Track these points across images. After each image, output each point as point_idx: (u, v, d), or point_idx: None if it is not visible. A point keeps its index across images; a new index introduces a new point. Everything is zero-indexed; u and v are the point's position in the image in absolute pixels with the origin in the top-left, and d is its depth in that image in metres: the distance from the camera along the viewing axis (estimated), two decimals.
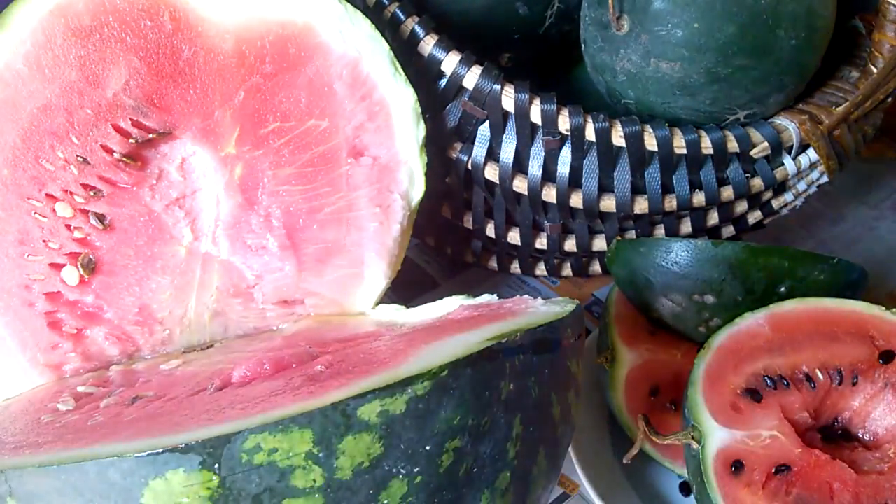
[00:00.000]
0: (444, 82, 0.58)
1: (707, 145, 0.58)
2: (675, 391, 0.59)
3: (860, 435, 0.51)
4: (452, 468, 0.37)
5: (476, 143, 0.60)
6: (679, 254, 0.56)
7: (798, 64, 0.57)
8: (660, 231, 0.65)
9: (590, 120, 0.57)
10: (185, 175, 0.53)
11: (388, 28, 0.59)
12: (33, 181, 0.48)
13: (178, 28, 0.50)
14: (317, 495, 0.35)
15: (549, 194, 0.60)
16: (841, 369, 0.51)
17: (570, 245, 0.66)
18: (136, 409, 0.41)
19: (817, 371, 0.51)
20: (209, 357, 0.51)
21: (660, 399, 0.58)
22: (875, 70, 0.59)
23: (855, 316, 0.52)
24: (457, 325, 0.45)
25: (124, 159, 0.50)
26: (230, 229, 0.54)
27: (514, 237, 0.67)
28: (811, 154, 0.60)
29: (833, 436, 0.52)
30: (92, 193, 0.50)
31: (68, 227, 0.50)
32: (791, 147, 0.60)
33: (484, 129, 0.60)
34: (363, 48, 0.52)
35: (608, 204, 0.60)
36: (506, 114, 0.58)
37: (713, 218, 0.64)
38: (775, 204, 0.65)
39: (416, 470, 0.37)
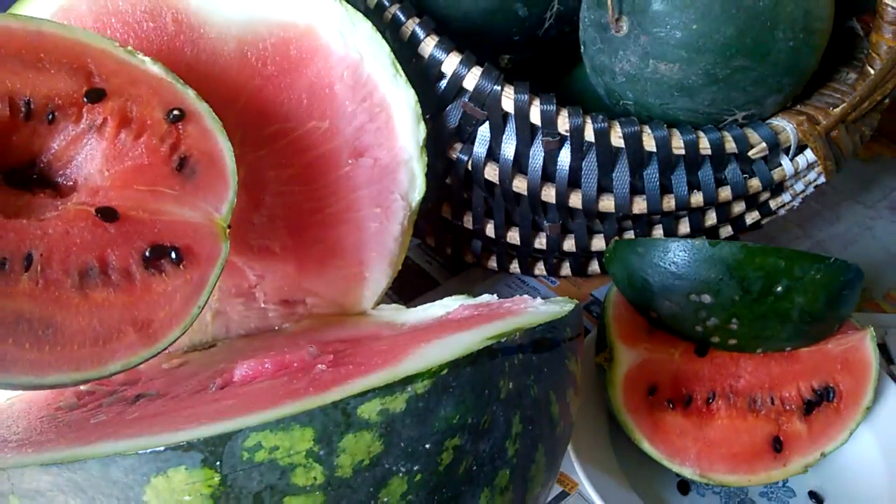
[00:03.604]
0: (444, 83, 0.59)
1: (705, 146, 0.58)
2: (673, 390, 0.59)
3: (60, 181, 0.46)
4: (452, 466, 0.38)
5: (476, 143, 0.60)
6: (676, 254, 0.56)
7: (796, 65, 0.57)
8: (658, 231, 0.65)
9: (589, 121, 0.57)
10: None
11: (389, 29, 0.59)
12: None
13: (181, 30, 0.50)
14: (317, 493, 0.36)
15: (549, 194, 0.61)
16: (31, 101, 0.43)
17: (569, 245, 0.66)
18: (138, 407, 0.42)
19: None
20: (211, 356, 0.51)
21: (658, 398, 0.58)
22: (872, 71, 0.59)
23: (76, 46, 0.44)
24: (457, 324, 0.45)
25: None
26: (232, 229, 0.54)
27: (513, 237, 0.67)
28: (809, 155, 0.60)
29: (26, 180, 0.46)
30: None
31: None
32: (789, 148, 0.60)
33: (484, 130, 0.60)
34: (364, 50, 0.52)
35: (607, 204, 0.61)
36: (506, 114, 0.58)
37: (711, 218, 0.64)
38: (773, 204, 0.65)
39: (415, 468, 0.37)
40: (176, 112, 0.45)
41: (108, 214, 0.43)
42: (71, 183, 0.46)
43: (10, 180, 0.45)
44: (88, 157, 0.46)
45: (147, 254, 0.43)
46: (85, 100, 0.44)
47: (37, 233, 0.42)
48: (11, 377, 0.40)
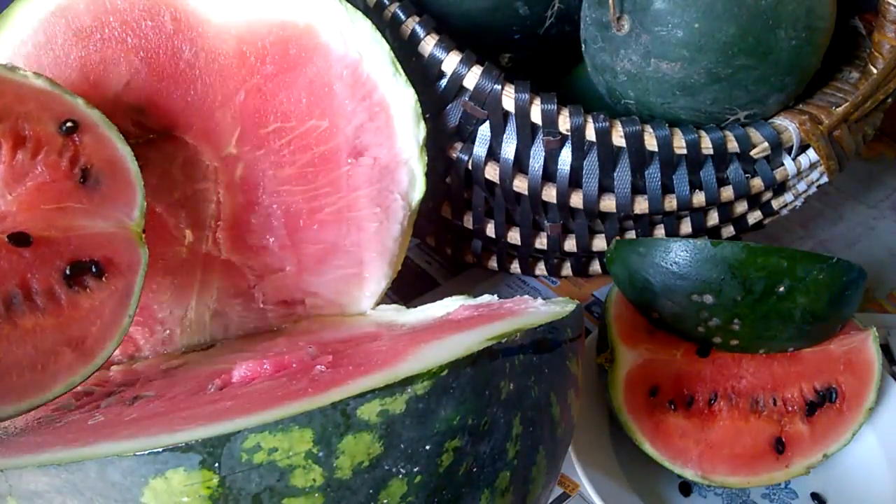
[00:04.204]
0: (444, 82, 0.58)
1: (707, 145, 0.58)
2: (674, 391, 0.59)
3: None
4: (452, 468, 0.38)
5: (476, 143, 0.60)
6: (678, 254, 0.56)
7: (798, 64, 0.57)
8: (660, 231, 0.65)
9: (590, 120, 0.57)
10: (186, 175, 0.53)
11: (389, 28, 0.59)
12: None
13: (179, 28, 0.50)
14: (316, 495, 0.35)
15: (549, 194, 0.60)
16: None
17: (570, 245, 0.66)
18: (136, 408, 0.42)
19: None
20: (210, 357, 0.51)
21: (659, 398, 0.58)
22: (875, 71, 0.59)
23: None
24: (457, 324, 0.45)
25: None
26: (231, 229, 0.54)
27: (514, 237, 0.67)
28: (811, 154, 0.60)
29: None
30: None
31: None
32: (791, 147, 0.60)
33: (484, 129, 0.60)
34: (364, 49, 0.52)
35: (608, 204, 0.60)
36: (506, 114, 0.58)
37: (713, 218, 0.64)
38: (775, 204, 0.65)
39: (415, 469, 0.37)
40: (69, 124, 0.45)
41: (20, 240, 0.43)
42: None
43: None
44: None
45: (67, 272, 0.43)
46: None
47: None
48: None
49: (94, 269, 0.44)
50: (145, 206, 0.47)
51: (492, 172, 0.61)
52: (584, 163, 0.59)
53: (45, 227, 0.44)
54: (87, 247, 0.44)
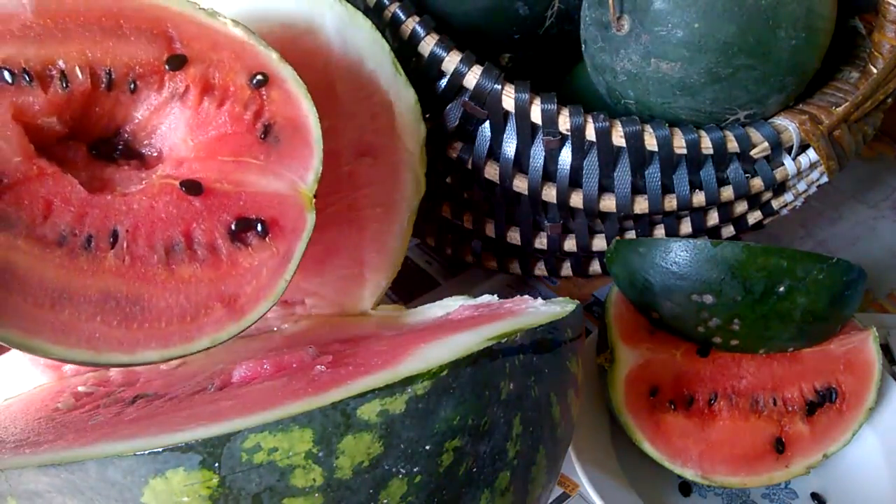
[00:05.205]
0: (444, 82, 0.58)
1: (707, 145, 0.58)
2: (674, 391, 0.59)
3: (145, 152, 0.45)
4: (452, 468, 0.38)
5: (476, 142, 0.60)
6: (678, 254, 0.56)
7: (798, 64, 0.57)
8: (660, 231, 0.65)
9: (590, 120, 0.57)
10: None
11: (389, 28, 0.59)
12: None
13: None
14: (316, 495, 0.35)
15: (549, 194, 0.60)
16: (111, 70, 0.42)
17: (570, 245, 0.66)
18: (136, 408, 0.41)
19: (76, 69, 0.41)
20: (209, 357, 0.51)
21: (660, 399, 0.58)
22: (875, 70, 0.59)
23: (155, 10, 0.43)
24: (457, 324, 0.45)
25: None
26: None
27: (514, 237, 0.67)
28: (811, 154, 0.60)
29: (111, 151, 0.45)
30: None
31: None
32: (791, 147, 0.60)
33: (484, 129, 0.60)
34: (364, 49, 0.52)
35: (608, 204, 0.60)
36: (506, 114, 0.58)
37: (713, 218, 0.64)
38: (775, 204, 0.65)
39: (415, 469, 0.37)
40: (259, 77, 0.44)
41: (193, 188, 0.42)
42: (156, 153, 0.45)
43: (97, 152, 0.44)
44: (172, 126, 0.45)
45: (233, 227, 0.42)
46: (166, 67, 0.43)
47: (122, 208, 0.41)
48: (100, 355, 0.39)
49: (259, 229, 0.43)
50: (320, 171, 0.45)
51: (492, 172, 0.61)
52: (584, 163, 0.59)
53: (218, 178, 0.43)
54: (256, 204, 0.43)
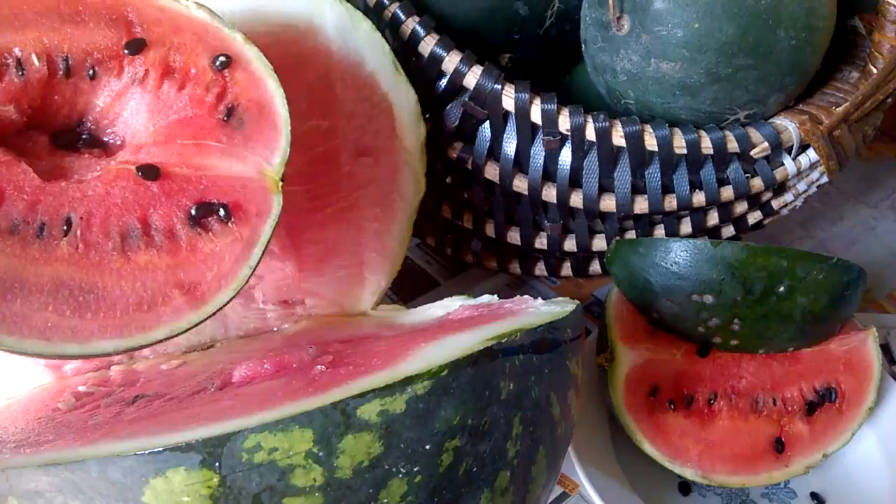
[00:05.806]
0: (444, 82, 0.58)
1: (707, 145, 0.58)
2: (674, 391, 0.59)
3: (108, 140, 0.44)
4: (452, 467, 0.38)
5: (476, 142, 0.60)
6: (678, 254, 0.56)
7: (798, 64, 0.57)
8: (660, 231, 0.65)
9: (590, 120, 0.57)
10: None
11: (389, 28, 0.59)
12: None
13: None
14: (317, 494, 0.35)
15: (549, 194, 0.60)
16: (69, 57, 0.41)
17: (570, 245, 0.66)
18: (136, 408, 0.42)
19: (33, 56, 0.41)
20: (210, 357, 0.51)
21: (660, 398, 0.58)
22: (875, 70, 0.59)
23: None
24: (457, 324, 0.45)
25: None
26: None
27: (514, 237, 0.67)
28: (811, 154, 0.60)
29: (75, 140, 0.44)
30: None
31: None
32: (791, 147, 0.60)
33: (484, 129, 0.60)
34: (364, 49, 0.52)
35: (608, 204, 0.60)
36: (506, 114, 0.58)
37: (713, 218, 0.64)
38: (775, 204, 0.65)
39: (415, 469, 0.37)
40: (222, 58, 0.43)
41: (149, 172, 0.41)
42: (119, 141, 0.44)
43: (59, 142, 0.44)
44: (134, 112, 0.44)
45: (193, 212, 0.41)
46: (125, 52, 0.42)
47: (76, 195, 0.40)
48: (53, 346, 0.38)
49: (221, 213, 0.42)
50: (288, 154, 0.44)
51: (492, 172, 0.61)
52: (584, 163, 0.59)
53: (177, 162, 0.42)
54: (217, 189, 0.42)
